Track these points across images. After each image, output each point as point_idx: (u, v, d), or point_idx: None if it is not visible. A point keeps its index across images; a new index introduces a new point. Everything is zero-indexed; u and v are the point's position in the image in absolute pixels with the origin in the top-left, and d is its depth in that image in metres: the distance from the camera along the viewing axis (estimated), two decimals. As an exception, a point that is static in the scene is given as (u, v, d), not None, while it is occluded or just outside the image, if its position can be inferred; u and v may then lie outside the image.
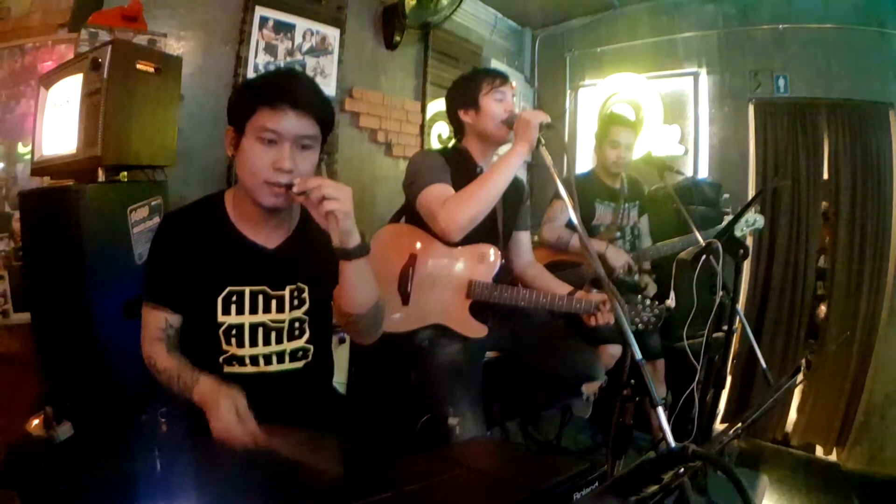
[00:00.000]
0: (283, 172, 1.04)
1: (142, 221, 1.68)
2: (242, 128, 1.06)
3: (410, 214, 1.68)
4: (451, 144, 1.82)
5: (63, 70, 1.75)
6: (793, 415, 3.15)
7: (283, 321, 1.15)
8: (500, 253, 1.64)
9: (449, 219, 1.44)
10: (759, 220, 2.36)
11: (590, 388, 1.79)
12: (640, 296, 1.55)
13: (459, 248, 1.63)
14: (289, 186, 1.04)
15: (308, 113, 1.05)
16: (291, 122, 1.04)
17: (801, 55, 3.07)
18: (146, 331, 1.12)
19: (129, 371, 1.52)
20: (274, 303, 1.14)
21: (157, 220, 1.70)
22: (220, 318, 1.11)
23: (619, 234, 2.40)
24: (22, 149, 2.11)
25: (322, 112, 1.09)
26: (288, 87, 1.05)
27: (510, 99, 1.66)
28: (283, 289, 1.15)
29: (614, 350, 2.13)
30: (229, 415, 0.95)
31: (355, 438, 1.23)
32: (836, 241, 3.01)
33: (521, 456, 1.39)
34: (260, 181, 1.05)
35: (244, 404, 0.97)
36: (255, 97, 1.05)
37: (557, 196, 2.34)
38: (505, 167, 1.50)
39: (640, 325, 1.52)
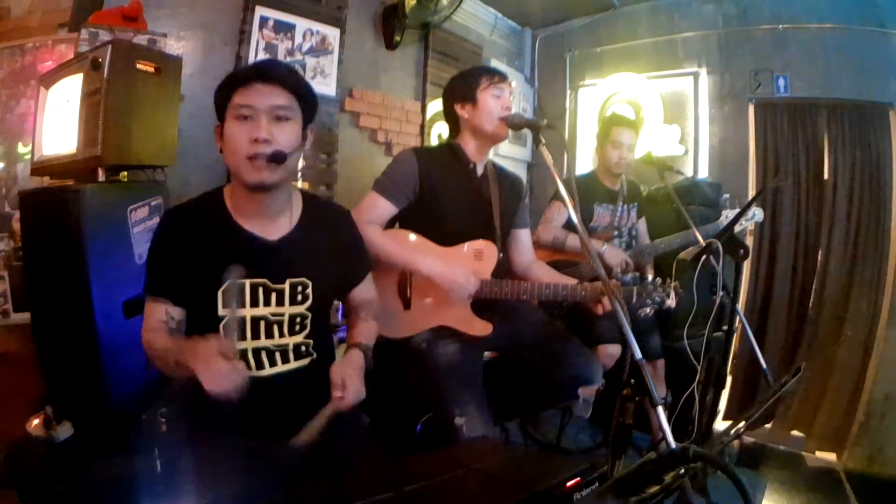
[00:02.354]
0: (259, 143, 1.06)
1: (142, 221, 1.68)
2: (224, 116, 1.10)
3: (404, 219, 1.68)
4: (445, 140, 1.82)
5: (63, 70, 1.75)
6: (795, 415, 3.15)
7: (282, 314, 1.15)
8: (496, 248, 1.64)
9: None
10: (759, 214, 2.35)
11: (586, 392, 1.78)
12: (649, 276, 1.55)
13: (455, 246, 1.63)
14: (269, 157, 1.06)
15: (279, 84, 1.10)
16: (262, 95, 1.08)
17: (801, 55, 3.06)
18: (147, 322, 1.12)
19: (129, 371, 1.52)
20: (274, 296, 1.14)
21: (157, 220, 1.70)
22: (221, 311, 1.11)
23: (616, 233, 2.40)
24: (22, 149, 2.11)
25: (295, 84, 1.13)
26: (257, 67, 1.13)
27: (508, 96, 1.65)
28: (284, 282, 1.15)
29: (613, 350, 2.13)
30: (214, 356, 0.92)
31: (357, 438, 1.23)
32: (836, 242, 3.01)
33: (521, 456, 1.39)
34: (242, 158, 1.07)
35: (228, 345, 0.95)
36: (230, 83, 1.11)
37: (555, 197, 2.35)
38: (409, 261, 1.56)
39: (652, 305, 1.52)
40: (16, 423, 1.60)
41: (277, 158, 1.07)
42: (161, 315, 1.11)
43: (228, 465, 1.01)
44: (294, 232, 1.19)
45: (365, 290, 1.36)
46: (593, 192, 2.37)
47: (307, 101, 1.15)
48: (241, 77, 1.10)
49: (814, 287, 3.08)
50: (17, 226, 1.99)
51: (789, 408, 3.07)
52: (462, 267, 1.56)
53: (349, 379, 1.11)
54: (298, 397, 1.16)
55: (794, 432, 3.11)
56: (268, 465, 1.00)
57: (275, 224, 1.17)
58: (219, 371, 0.92)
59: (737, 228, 1.87)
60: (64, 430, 1.57)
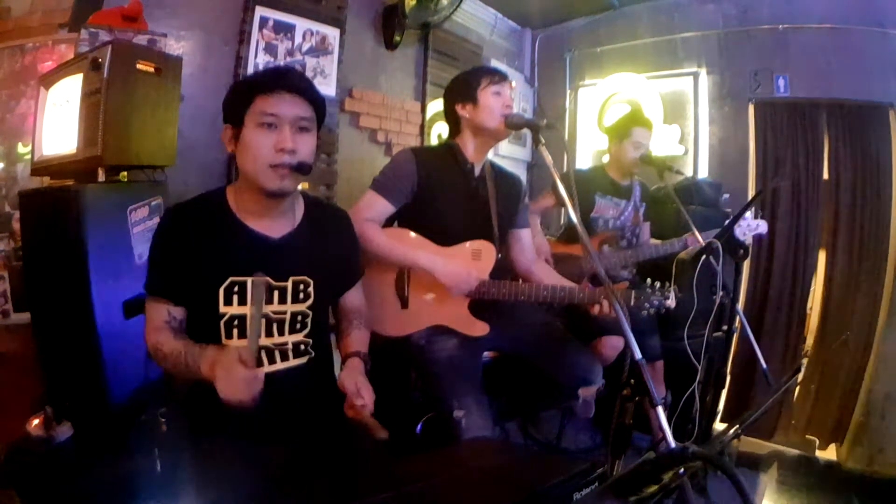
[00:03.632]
0: (285, 153, 1.08)
1: (142, 221, 1.68)
2: (241, 120, 1.10)
3: (402, 219, 1.68)
4: (444, 140, 1.82)
5: (63, 70, 1.75)
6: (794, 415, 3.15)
7: (284, 312, 1.16)
8: (494, 249, 1.64)
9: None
10: (762, 226, 2.31)
11: (586, 393, 1.78)
12: (648, 279, 1.54)
13: (453, 247, 1.63)
14: (295, 168, 1.08)
15: (303, 96, 1.12)
16: (289, 105, 1.09)
17: (801, 55, 3.06)
18: (149, 322, 1.12)
19: (129, 371, 1.52)
20: (276, 294, 1.15)
21: (157, 220, 1.70)
22: (222, 308, 1.11)
23: (619, 234, 2.40)
24: (22, 149, 2.11)
25: (314, 96, 1.15)
26: (281, 75, 1.12)
27: (508, 94, 1.66)
28: (286, 280, 1.16)
29: (617, 341, 2.11)
30: (234, 365, 0.94)
31: (357, 437, 1.23)
32: (836, 242, 3.01)
33: (521, 456, 1.38)
34: (264, 165, 1.08)
35: (247, 354, 0.96)
36: (252, 88, 1.11)
37: (552, 188, 2.36)
38: (407, 257, 1.56)
39: (650, 309, 1.51)
40: (16, 423, 1.61)
41: (303, 169, 1.10)
42: (163, 315, 1.11)
43: (228, 465, 1.01)
44: (297, 230, 1.20)
45: (357, 296, 1.38)
46: (597, 184, 2.37)
47: (322, 112, 1.18)
48: (265, 84, 1.10)
49: (812, 287, 3.08)
50: (17, 226, 2.00)
51: (789, 408, 3.07)
52: (462, 262, 1.56)
53: (363, 386, 1.14)
54: (295, 395, 1.16)
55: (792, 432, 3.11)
56: (266, 465, 1.00)
57: (278, 223, 1.18)
58: (238, 380, 0.93)
59: (740, 238, 1.86)
60: (64, 430, 1.57)
